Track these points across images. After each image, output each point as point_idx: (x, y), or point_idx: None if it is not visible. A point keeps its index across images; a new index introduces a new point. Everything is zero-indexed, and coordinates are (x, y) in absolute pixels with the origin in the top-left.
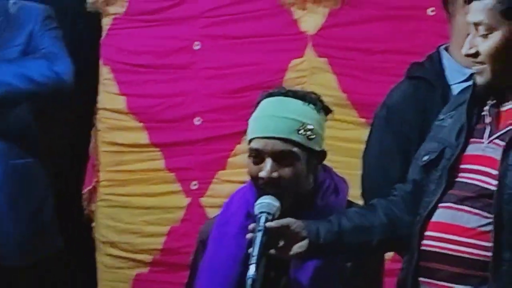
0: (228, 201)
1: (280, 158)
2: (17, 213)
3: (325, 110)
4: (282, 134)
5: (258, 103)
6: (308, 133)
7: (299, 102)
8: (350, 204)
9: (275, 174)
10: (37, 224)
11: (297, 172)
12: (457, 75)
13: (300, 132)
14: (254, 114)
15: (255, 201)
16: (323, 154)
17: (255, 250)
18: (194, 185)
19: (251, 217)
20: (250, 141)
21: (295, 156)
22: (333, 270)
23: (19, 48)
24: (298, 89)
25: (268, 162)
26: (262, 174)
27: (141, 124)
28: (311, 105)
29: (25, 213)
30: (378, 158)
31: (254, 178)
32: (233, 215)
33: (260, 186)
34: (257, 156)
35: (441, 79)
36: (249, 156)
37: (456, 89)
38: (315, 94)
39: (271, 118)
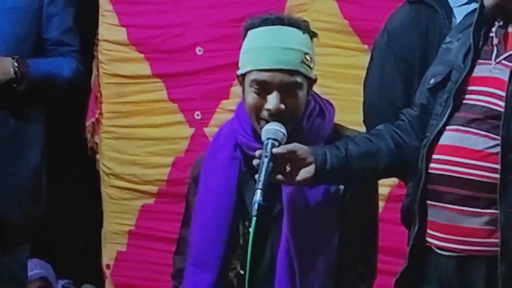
0: (216, 134)
1: (286, 89)
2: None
3: (313, 36)
4: (290, 66)
5: (247, 30)
6: (309, 62)
7: (297, 31)
8: (337, 127)
9: (282, 106)
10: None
11: (300, 101)
12: None
13: (304, 62)
14: (251, 44)
15: (244, 132)
16: (315, 80)
17: (261, 176)
18: (197, 115)
19: (239, 147)
20: (248, 72)
21: (299, 87)
22: (328, 197)
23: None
24: (287, 15)
25: (276, 94)
26: (270, 106)
27: (142, 55)
28: (306, 34)
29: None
30: (380, 84)
31: (257, 110)
32: (222, 146)
33: (264, 118)
34: (263, 87)
35: (442, 2)
36: (250, 86)
37: (458, 11)
38: (304, 20)
39: (277, 50)
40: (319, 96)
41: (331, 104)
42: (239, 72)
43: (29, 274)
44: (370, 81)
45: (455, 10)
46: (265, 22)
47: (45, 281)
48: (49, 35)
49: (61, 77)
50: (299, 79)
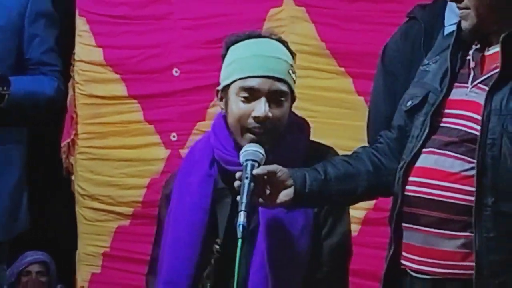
0: (190, 149)
1: (273, 98)
2: None
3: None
4: (279, 74)
5: (230, 46)
6: (293, 75)
7: (281, 44)
8: (313, 144)
9: (270, 114)
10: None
11: (285, 112)
12: (452, 15)
13: (289, 73)
14: (237, 55)
15: (222, 147)
16: (294, 99)
17: (243, 198)
18: (173, 137)
19: (216, 163)
20: (233, 81)
21: (286, 96)
22: (302, 217)
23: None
24: (267, 32)
25: (264, 101)
26: (258, 113)
27: (118, 76)
28: (287, 49)
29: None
30: (372, 95)
31: (243, 119)
32: (196, 163)
33: (250, 127)
34: (251, 94)
35: (437, 21)
36: (237, 95)
37: (448, 30)
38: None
39: (266, 58)
40: (295, 114)
41: (306, 122)
42: (222, 84)
43: (31, 258)
44: (371, 94)
45: (447, 28)
46: (250, 36)
47: (45, 265)
48: (31, 55)
49: (42, 95)
50: (285, 88)
